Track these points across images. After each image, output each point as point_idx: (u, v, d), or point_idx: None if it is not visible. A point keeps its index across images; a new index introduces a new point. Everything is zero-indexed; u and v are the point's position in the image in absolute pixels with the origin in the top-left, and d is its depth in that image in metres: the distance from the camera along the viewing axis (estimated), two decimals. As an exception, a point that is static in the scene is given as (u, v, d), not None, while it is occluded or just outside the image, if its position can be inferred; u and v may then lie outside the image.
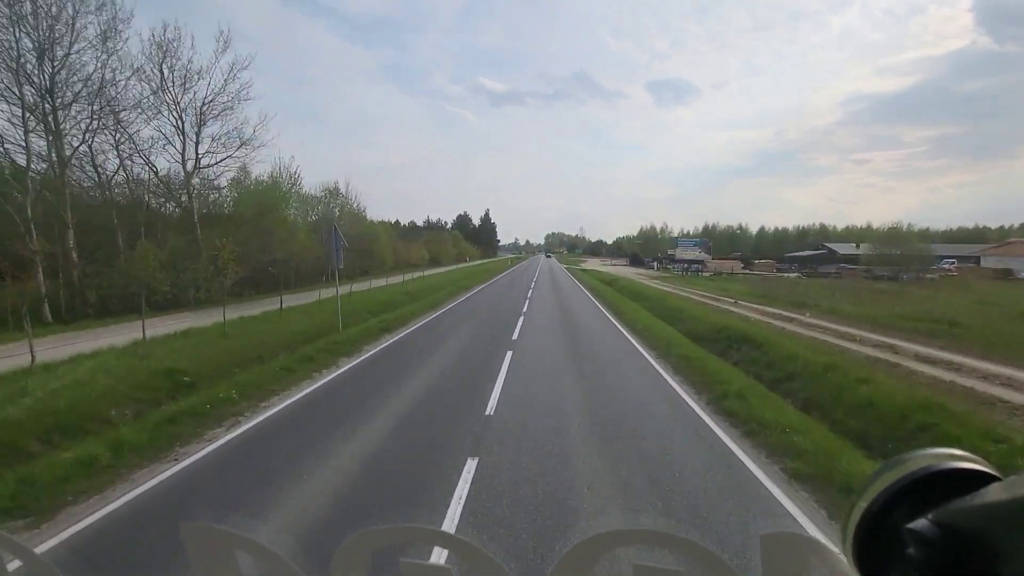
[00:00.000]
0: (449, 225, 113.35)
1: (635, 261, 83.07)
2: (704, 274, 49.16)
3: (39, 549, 3.46)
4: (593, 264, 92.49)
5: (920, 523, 0.39)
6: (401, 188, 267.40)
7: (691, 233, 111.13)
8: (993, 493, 0.37)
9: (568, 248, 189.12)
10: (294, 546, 0.64)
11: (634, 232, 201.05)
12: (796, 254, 76.93)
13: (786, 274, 56.04)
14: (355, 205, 41.43)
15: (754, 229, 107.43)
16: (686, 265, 60.03)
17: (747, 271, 58.25)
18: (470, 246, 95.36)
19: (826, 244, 78.59)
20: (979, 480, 0.41)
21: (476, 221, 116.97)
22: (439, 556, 1.86)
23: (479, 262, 73.53)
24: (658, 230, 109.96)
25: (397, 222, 79.22)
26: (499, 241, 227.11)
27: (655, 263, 66.26)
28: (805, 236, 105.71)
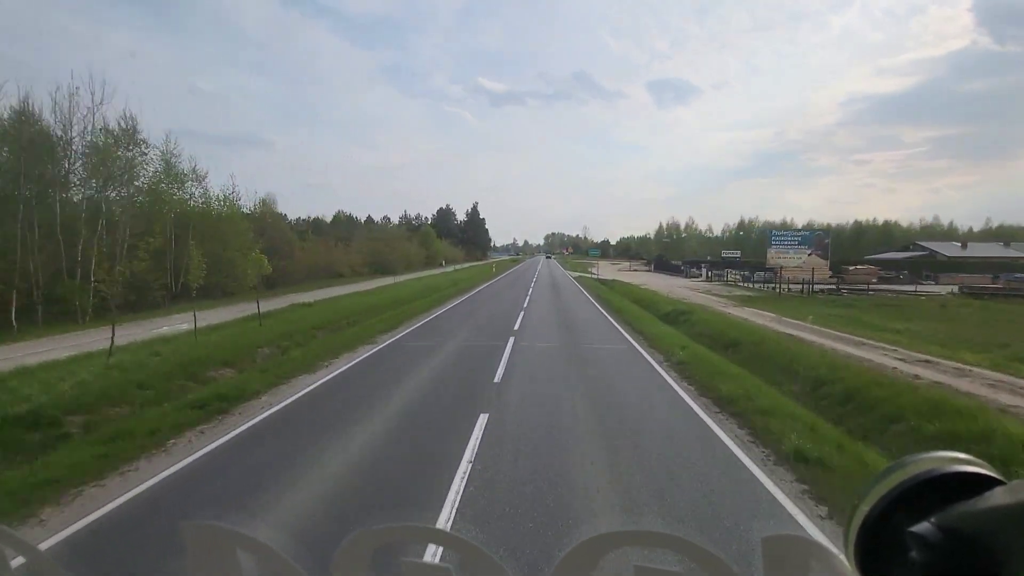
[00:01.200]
0: (428, 221, 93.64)
1: (660, 265, 63.56)
2: (818, 292, 29.39)
3: (43, 545, 3.39)
4: (605, 269, 72.91)
5: (923, 526, 0.39)
6: (401, 188, 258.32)
7: (726, 233, 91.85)
8: (996, 497, 0.37)
9: (574, 249, 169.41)
10: (295, 545, 0.60)
11: (638, 232, 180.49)
12: (883, 256, 57.38)
13: (897, 286, 36.45)
14: (185, 168, 21.80)
15: (800, 223, 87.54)
16: (747, 273, 40.60)
17: (839, 281, 38.46)
18: (450, 247, 75.79)
19: (921, 244, 59.24)
20: (982, 484, 0.40)
21: (461, 216, 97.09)
22: (439, 555, 1.81)
23: (454, 268, 53.94)
24: (682, 227, 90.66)
25: (332, 216, 59.42)
26: (493, 242, 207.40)
27: (703, 270, 46.34)
28: (863, 233, 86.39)
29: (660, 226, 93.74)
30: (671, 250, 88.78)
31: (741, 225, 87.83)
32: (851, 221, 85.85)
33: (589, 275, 48.93)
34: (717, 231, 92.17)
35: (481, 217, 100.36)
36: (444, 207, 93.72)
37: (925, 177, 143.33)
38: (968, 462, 0.42)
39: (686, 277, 48.27)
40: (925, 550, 0.37)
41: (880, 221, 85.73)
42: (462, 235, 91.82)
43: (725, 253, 46.84)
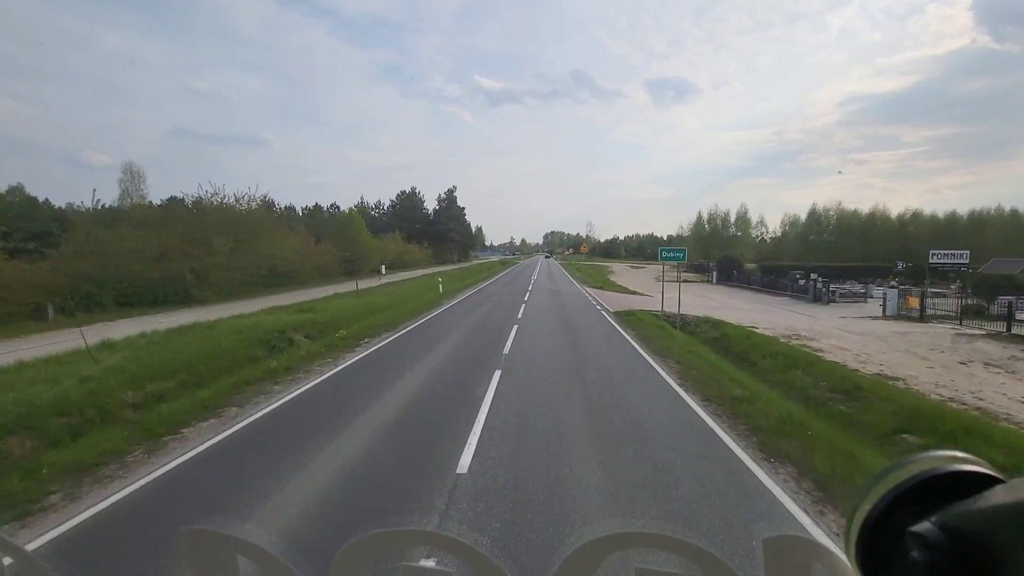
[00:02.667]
0: (386, 208, 69.47)
1: (728, 274, 39.84)
2: None
3: (31, 546, 3.42)
4: (630, 276, 49.10)
5: (923, 526, 0.39)
6: (400, 187, 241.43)
7: (786, 224, 67.57)
8: (997, 496, 0.36)
9: (572, 248, 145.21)
10: (293, 550, 0.63)
11: (643, 230, 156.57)
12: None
13: None
14: None
15: (893, 212, 62.69)
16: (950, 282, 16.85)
17: None
18: (403, 243, 51.85)
19: None
20: (982, 483, 0.40)
21: (432, 204, 72.38)
22: (438, 559, 1.38)
23: (382, 282, 30.39)
24: (731, 218, 65.85)
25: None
26: (491, 241, 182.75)
27: (882, 290, 21.87)
28: (984, 224, 62.63)
29: (699, 217, 69.25)
30: (716, 249, 64.95)
31: (812, 215, 63.47)
32: (975, 210, 61.21)
33: (635, 298, 25.26)
34: (772, 224, 67.65)
35: (460, 206, 75.81)
36: (408, 191, 69.33)
37: (924, 177, 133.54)
38: (968, 461, 0.41)
39: (818, 302, 24.36)
40: (925, 549, 0.37)
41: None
42: (431, 228, 67.64)
43: (939, 254, 23.40)
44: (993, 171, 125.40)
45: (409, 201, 68.73)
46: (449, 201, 72.76)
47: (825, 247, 61.89)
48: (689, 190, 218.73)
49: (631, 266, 75.95)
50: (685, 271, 60.79)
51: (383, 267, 41.15)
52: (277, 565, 0.55)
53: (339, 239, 35.67)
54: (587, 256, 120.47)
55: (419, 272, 43.86)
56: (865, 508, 0.42)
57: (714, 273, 40.57)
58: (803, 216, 65.10)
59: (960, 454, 0.42)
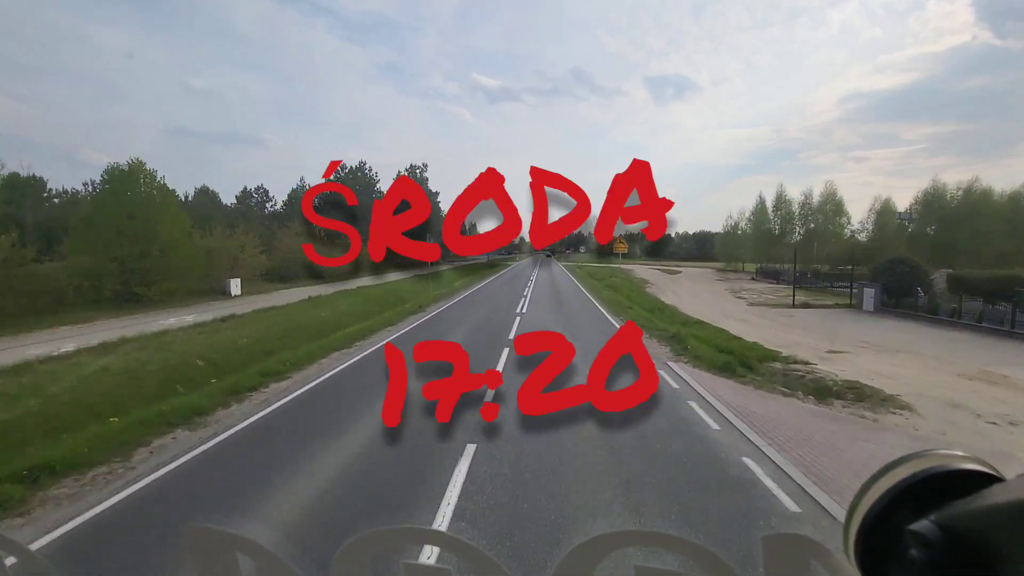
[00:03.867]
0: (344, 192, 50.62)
1: (901, 294, 20.48)
2: None
3: (35, 546, 3.43)
4: (708, 293, 29.27)
5: (922, 524, 0.38)
6: (346, 163, 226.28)
7: (881, 211, 47.88)
8: (995, 495, 0.36)
9: (582, 247, 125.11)
10: (294, 548, 0.66)
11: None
12: None
13: None
14: None
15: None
16: None
17: None
18: (303, 238, 33.29)
19: None
20: (981, 481, 0.39)
21: (385, 184, 53.20)
22: (438, 556, 1.72)
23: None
24: (814, 201, 45.46)
25: None
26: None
27: None
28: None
29: (759, 203, 49.66)
30: (777, 248, 45.87)
31: (931, 196, 43.83)
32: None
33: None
34: (857, 216, 47.37)
35: (433, 190, 56.69)
36: (356, 166, 50.02)
37: (924, 175, 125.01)
38: (967, 459, 0.41)
39: None
40: (924, 548, 0.37)
41: None
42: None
43: None
44: (993, 169, 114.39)
45: (355, 180, 49.36)
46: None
47: (944, 244, 42.73)
48: (689, 189, 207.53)
49: (661, 270, 56.49)
50: (756, 278, 41.26)
51: (233, 283, 21.80)
52: (278, 563, 0.54)
53: (90, 228, 16.41)
54: (594, 256, 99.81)
55: (313, 291, 24.41)
56: (864, 506, 0.41)
57: (868, 293, 21.20)
58: (900, 203, 45.88)
59: (959, 453, 0.41)
